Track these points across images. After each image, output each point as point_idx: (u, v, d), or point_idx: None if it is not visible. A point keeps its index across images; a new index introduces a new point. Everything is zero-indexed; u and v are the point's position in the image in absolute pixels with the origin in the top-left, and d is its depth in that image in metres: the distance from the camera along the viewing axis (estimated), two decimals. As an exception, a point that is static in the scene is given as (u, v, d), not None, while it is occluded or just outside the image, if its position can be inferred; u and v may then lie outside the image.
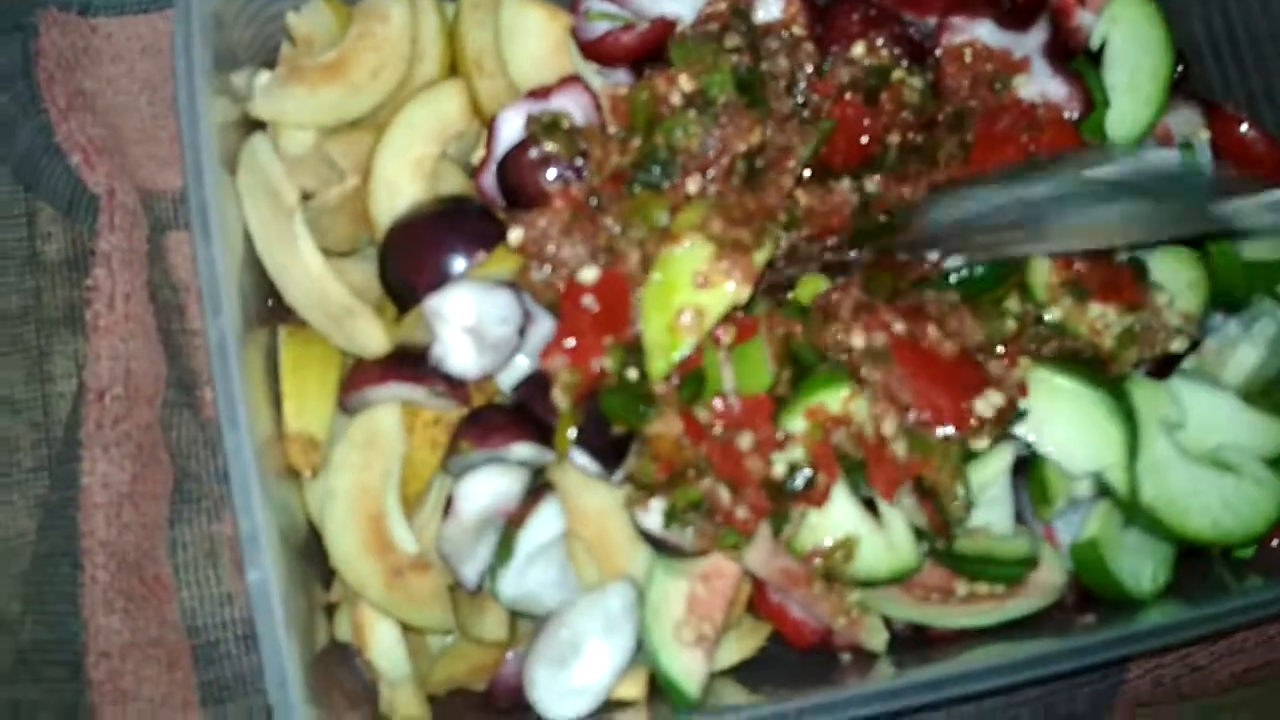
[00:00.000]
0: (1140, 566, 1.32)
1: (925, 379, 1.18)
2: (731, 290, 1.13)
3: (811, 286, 1.24)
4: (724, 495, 1.16)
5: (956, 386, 1.18)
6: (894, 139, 1.33)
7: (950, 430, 1.18)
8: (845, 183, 1.29)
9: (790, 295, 1.25)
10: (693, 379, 1.16)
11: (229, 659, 1.34)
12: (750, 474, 1.16)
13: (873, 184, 1.30)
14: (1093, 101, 1.40)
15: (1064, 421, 1.23)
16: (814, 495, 1.16)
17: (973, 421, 1.17)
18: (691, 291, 1.14)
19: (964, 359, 1.21)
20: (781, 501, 1.17)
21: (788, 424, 1.17)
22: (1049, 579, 1.30)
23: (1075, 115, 1.38)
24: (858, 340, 1.19)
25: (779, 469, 1.16)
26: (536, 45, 1.32)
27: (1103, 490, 1.27)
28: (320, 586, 1.27)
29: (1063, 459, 1.24)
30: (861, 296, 1.22)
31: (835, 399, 1.17)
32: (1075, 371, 1.25)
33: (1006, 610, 1.28)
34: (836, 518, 1.19)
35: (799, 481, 1.16)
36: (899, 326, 1.20)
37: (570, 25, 1.32)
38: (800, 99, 1.32)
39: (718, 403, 1.17)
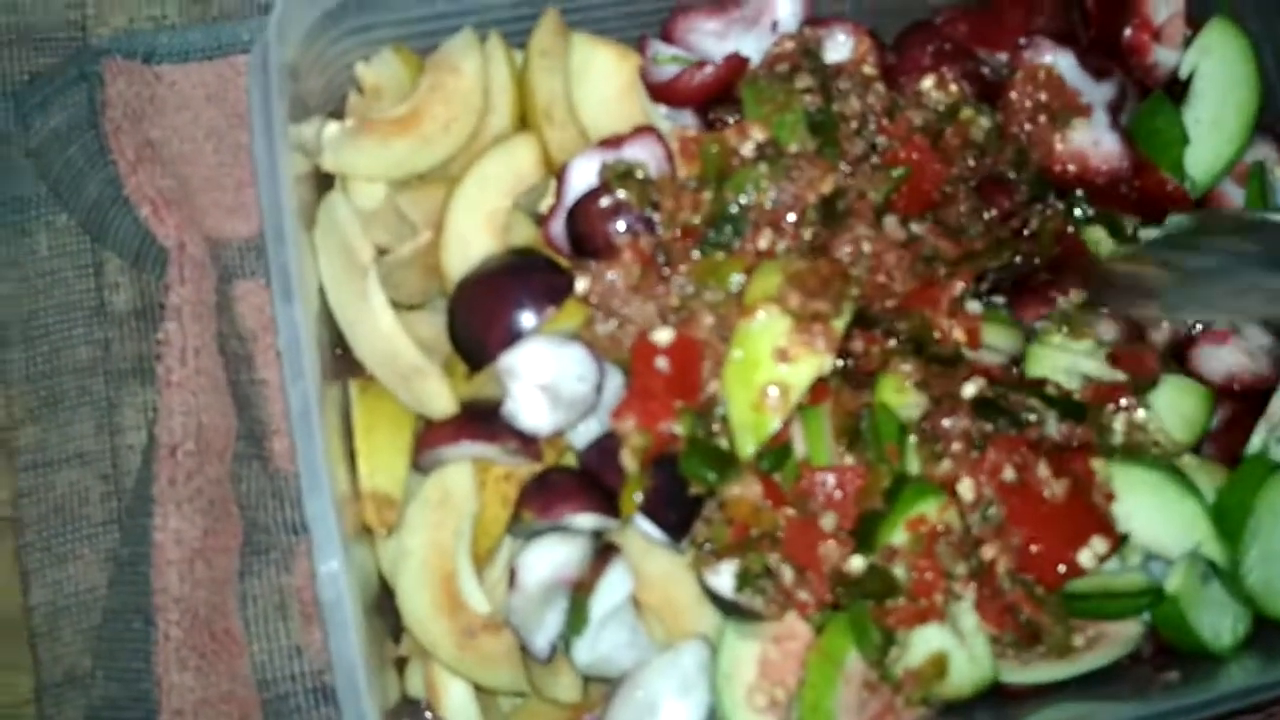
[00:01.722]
0: (1220, 621, 1.29)
1: (1034, 528, 1.18)
2: (815, 363, 1.11)
3: (892, 386, 1.20)
4: (787, 574, 1.14)
5: (1064, 536, 1.17)
6: (960, 185, 1.32)
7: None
8: (894, 223, 1.27)
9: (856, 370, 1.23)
10: (776, 452, 1.14)
11: (299, 712, 1.33)
12: (822, 558, 1.14)
13: (921, 227, 1.28)
14: (1140, 166, 1.38)
15: (1146, 510, 1.23)
16: (925, 612, 1.14)
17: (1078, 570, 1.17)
18: (773, 368, 1.11)
19: (1072, 498, 1.19)
20: (850, 596, 1.14)
21: (889, 538, 1.14)
22: (1126, 630, 1.27)
23: (1124, 170, 1.36)
24: (967, 493, 1.17)
25: (856, 564, 1.14)
26: (606, 87, 1.31)
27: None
28: (391, 641, 1.26)
29: (1157, 547, 1.24)
30: (971, 426, 1.20)
31: (934, 509, 1.15)
32: (1142, 459, 1.25)
33: (1083, 663, 1.25)
34: (926, 634, 1.17)
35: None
36: (1009, 474, 1.18)
37: (639, 66, 1.31)
38: (871, 141, 1.31)
39: (818, 476, 1.15)
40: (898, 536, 1.14)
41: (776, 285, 1.13)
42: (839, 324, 1.12)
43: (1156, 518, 1.23)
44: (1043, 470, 1.18)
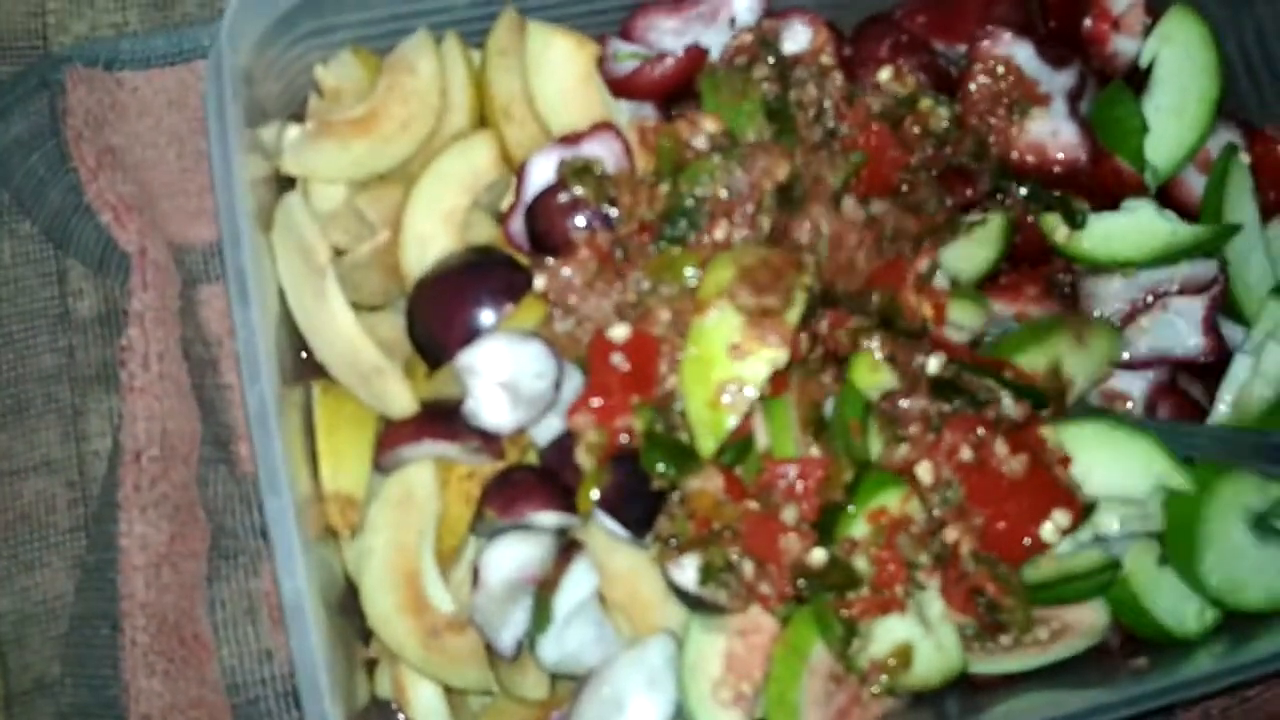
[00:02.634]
0: (1182, 605, 1.29)
1: (995, 507, 1.18)
2: (769, 357, 1.11)
3: (864, 366, 1.20)
4: (748, 568, 1.14)
5: (1026, 511, 1.17)
6: (920, 174, 1.32)
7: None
8: (851, 204, 1.27)
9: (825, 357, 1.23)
10: (738, 446, 1.14)
11: (269, 716, 1.33)
12: (783, 551, 1.13)
13: (881, 207, 1.28)
14: (1099, 154, 1.38)
15: (1102, 462, 1.23)
16: (887, 603, 1.14)
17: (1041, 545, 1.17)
18: (728, 364, 1.11)
19: (1033, 472, 1.19)
20: (812, 589, 1.14)
21: (850, 531, 1.14)
22: (1091, 620, 1.27)
23: (1082, 160, 1.37)
24: (926, 476, 1.18)
25: (817, 557, 1.14)
26: (564, 75, 1.30)
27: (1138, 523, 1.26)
28: (360, 643, 1.26)
29: (1122, 492, 1.24)
30: (929, 407, 1.20)
31: (894, 500, 1.15)
32: (1083, 415, 1.25)
33: (1050, 654, 1.25)
34: (889, 623, 1.16)
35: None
36: (966, 454, 1.18)
37: (597, 55, 1.31)
38: (830, 127, 1.31)
39: (780, 468, 1.15)
40: (859, 529, 1.14)
41: (728, 281, 1.13)
42: (792, 316, 1.12)
43: (1114, 466, 1.23)
44: (1000, 448, 1.18)
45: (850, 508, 1.14)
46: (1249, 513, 1.27)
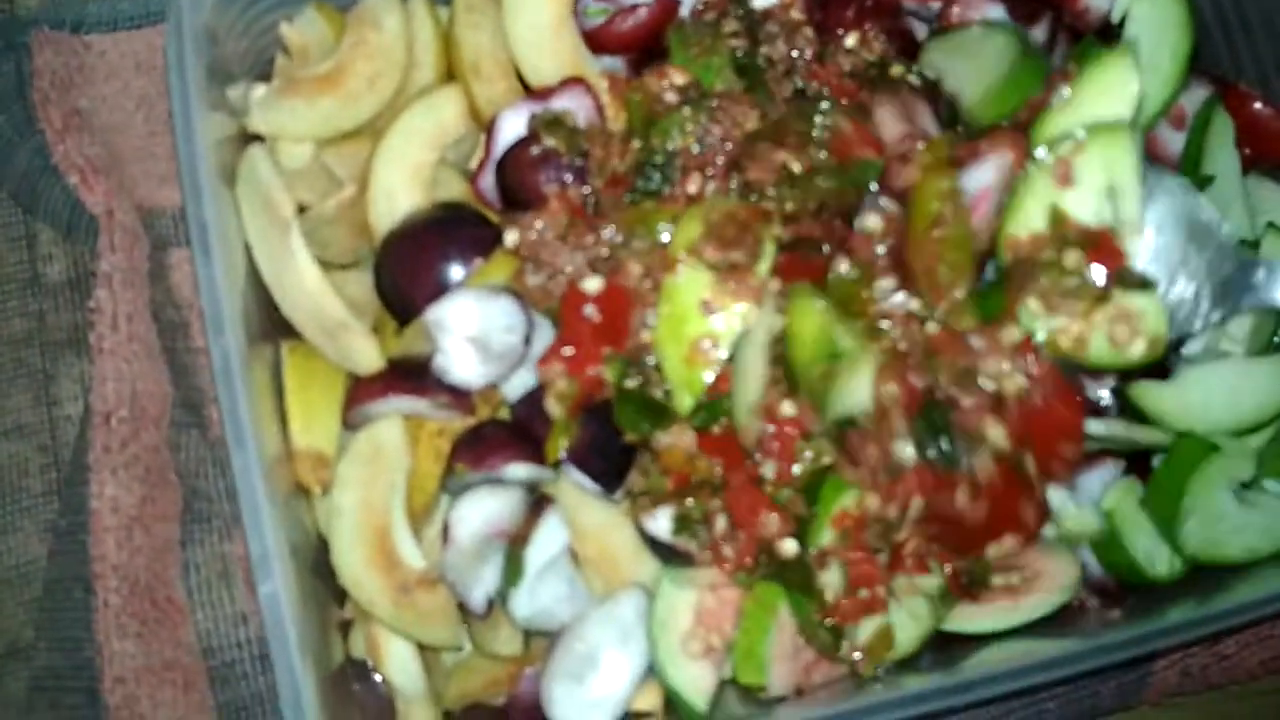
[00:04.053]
0: (1156, 549, 1.29)
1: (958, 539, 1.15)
2: (741, 311, 1.11)
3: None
4: (721, 523, 1.14)
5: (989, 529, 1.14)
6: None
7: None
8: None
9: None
10: (714, 403, 1.14)
11: (246, 679, 1.33)
12: (760, 524, 1.13)
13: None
14: None
15: None
16: (870, 603, 1.13)
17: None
18: (701, 320, 1.11)
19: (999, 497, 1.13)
20: (769, 574, 1.14)
21: (818, 541, 1.12)
22: (1062, 574, 1.27)
23: None
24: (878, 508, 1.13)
25: (789, 547, 1.13)
26: (540, 16, 1.28)
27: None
28: (335, 603, 1.26)
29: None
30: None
31: (852, 501, 1.12)
32: None
33: (1022, 611, 1.25)
34: None
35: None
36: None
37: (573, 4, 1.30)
38: (800, 87, 1.30)
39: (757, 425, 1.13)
40: (825, 536, 1.13)
41: (695, 237, 1.13)
42: (761, 267, 1.12)
43: None
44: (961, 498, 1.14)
45: (814, 519, 1.12)
46: (1234, 482, 1.27)
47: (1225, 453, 1.25)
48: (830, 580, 1.13)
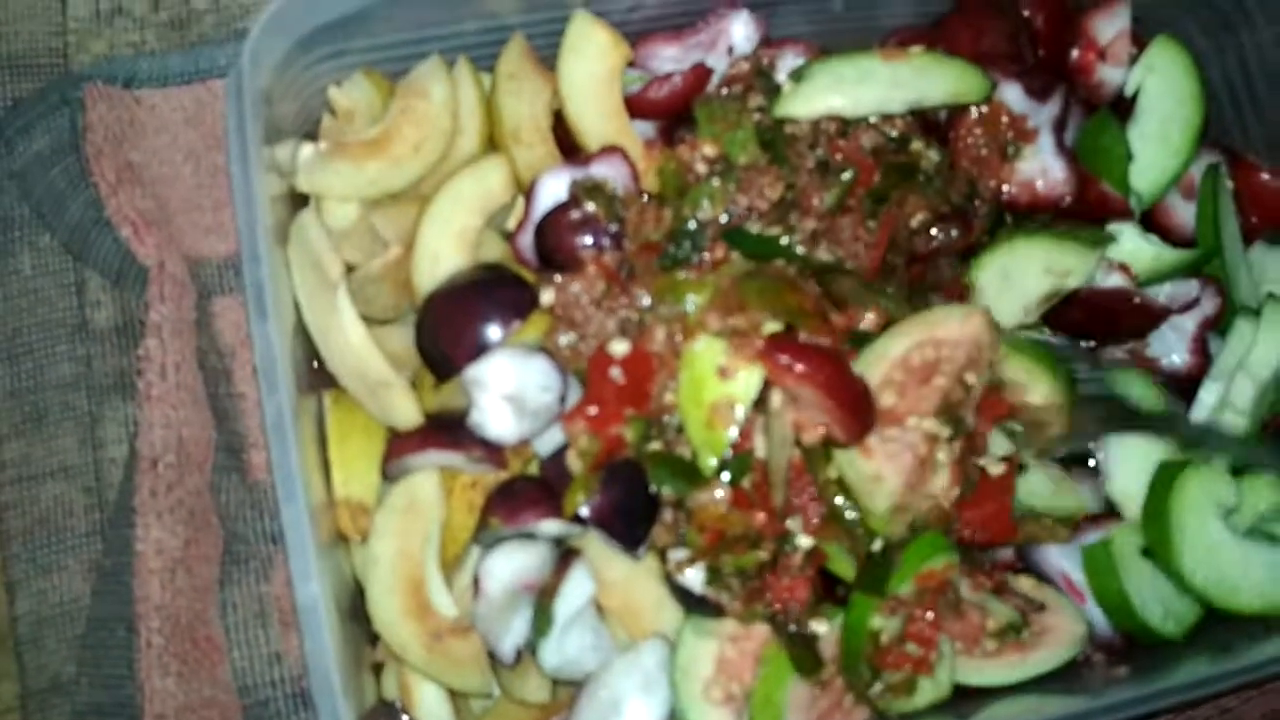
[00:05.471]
0: (1165, 602, 1.33)
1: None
2: (754, 375, 1.16)
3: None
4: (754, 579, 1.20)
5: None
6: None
7: None
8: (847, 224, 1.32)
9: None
10: (736, 462, 1.19)
11: (279, 717, 1.37)
12: (796, 601, 1.20)
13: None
14: (1085, 180, 1.41)
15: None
16: (919, 662, 1.20)
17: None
18: (718, 385, 1.16)
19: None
20: (785, 639, 1.21)
21: (899, 588, 1.20)
22: (1070, 629, 1.31)
23: (1068, 198, 1.40)
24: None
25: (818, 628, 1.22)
26: (595, 66, 1.34)
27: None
28: (367, 645, 1.30)
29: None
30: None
31: (942, 565, 1.21)
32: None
33: (1030, 665, 1.29)
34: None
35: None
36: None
37: (628, 58, 1.36)
38: (823, 160, 1.35)
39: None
40: (906, 588, 1.20)
41: (706, 304, 1.19)
42: (769, 327, 1.17)
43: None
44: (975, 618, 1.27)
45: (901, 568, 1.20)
46: (1221, 508, 1.30)
47: (1198, 468, 1.30)
48: (890, 626, 1.19)
